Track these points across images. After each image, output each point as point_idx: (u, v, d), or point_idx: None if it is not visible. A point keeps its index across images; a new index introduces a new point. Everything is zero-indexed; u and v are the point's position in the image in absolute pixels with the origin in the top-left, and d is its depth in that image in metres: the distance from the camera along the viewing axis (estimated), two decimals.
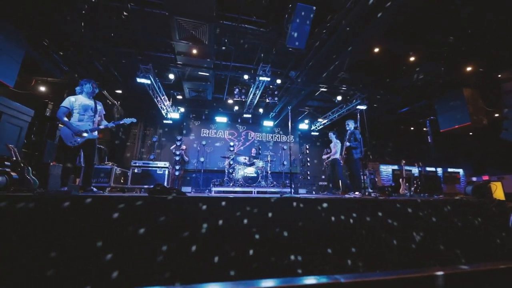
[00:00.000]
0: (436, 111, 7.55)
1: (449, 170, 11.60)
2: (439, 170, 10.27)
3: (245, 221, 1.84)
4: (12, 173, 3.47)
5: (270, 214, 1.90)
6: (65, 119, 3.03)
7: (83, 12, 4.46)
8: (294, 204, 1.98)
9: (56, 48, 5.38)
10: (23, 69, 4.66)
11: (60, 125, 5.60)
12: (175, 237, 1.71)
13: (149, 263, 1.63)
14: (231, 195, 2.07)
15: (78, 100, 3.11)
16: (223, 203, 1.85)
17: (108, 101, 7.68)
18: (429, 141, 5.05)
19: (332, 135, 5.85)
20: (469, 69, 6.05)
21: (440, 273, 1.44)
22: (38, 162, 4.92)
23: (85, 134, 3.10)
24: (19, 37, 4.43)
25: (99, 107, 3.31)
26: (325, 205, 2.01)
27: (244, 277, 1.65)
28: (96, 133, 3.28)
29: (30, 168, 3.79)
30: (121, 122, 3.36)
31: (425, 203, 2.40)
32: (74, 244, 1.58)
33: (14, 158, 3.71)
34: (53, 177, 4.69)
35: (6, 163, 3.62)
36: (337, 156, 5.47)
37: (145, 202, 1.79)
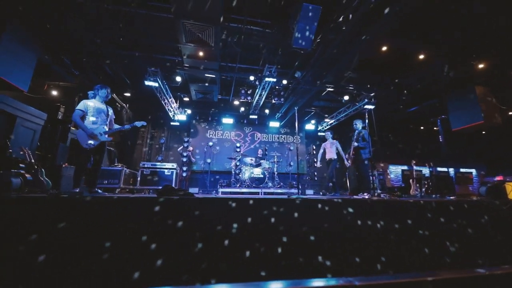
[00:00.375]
0: (447, 109, 7.36)
1: (462, 170, 11.28)
2: (451, 170, 10.00)
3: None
4: (27, 175, 3.59)
5: (296, 214, 1.92)
6: (80, 121, 3.13)
7: (93, 17, 4.57)
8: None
9: (67, 53, 5.53)
10: (35, 73, 4.80)
11: (72, 127, 5.75)
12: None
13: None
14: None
15: (92, 104, 3.24)
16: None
17: (117, 104, 7.84)
18: (441, 140, 4.91)
19: (328, 134, 5.88)
20: (481, 66, 5.87)
21: (455, 276, 1.40)
22: (51, 164, 5.06)
23: (98, 138, 3.19)
24: (32, 42, 4.58)
25: (111, 111, 3.44)
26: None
27: (274, 276, 1.66)
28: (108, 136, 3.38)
29: (43, 170, 3.91)
30: (133, 125, 3.47)
31: (440, 204, 2.33)
32: (94, 243, 1.61)
33: (28, 160, 3.83)
34: (65, 178, 4.81)
35: (20, 165, 3.74)
36: (334, 156, 5.57)
37: (162, 203, 1.81)
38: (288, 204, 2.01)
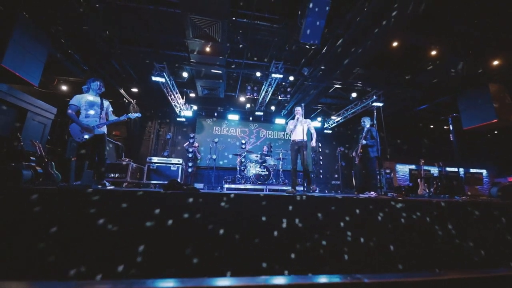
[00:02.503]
0: (458, 108, 7.16)
1: (471, 170, 11.01)
2: (461, 170, 9.78)
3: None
4: (37, 168, 3.68)
5: (320, 215, 1.90)
6: (75, 116, 3.15)
7: (102, 13, 4.60)
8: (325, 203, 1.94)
9: (77, 48, 5.60)
10: (46, 68, 4.89)
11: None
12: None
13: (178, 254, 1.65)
14: (261, 193, 2.10)
15: (84, 98, 3.25)
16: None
17: (124, 99, 7.92)
18: (452, 139, 4.79)
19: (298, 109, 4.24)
20: (495, 63, 5.67)
21: (467, 276, 1.36)
22: (61, 157, 5.16)
23: (93, 131, 3.20)
24: (43, 37, 4.65)
25: (106, 103, 3.43)
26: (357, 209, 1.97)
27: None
28: (104, 128, 3.38)
29: (53, 163, 4.00)
30: (127, 116, 3.48)
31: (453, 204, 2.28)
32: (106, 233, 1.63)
33: (39, 154, 3.93)
34: (74, 171, 4.91)
35: (31, 158, 3.83)
36: (305, 138, 3.95)
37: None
38: (294, 201, 1.99)
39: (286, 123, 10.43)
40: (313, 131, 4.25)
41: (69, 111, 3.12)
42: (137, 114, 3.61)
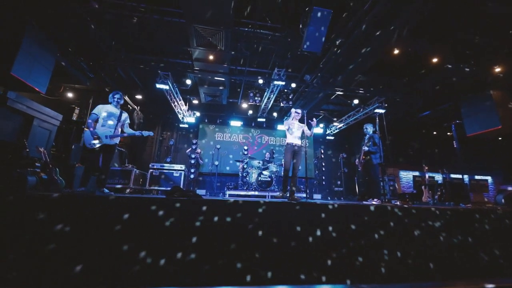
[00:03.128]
0: (462, 114, 7.13)
1: (476, 177, 10.85)
2: (465, 177, 9.65)
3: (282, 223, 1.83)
4: (42, 174, 3.72)
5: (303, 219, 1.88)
6: (90, 123, 3.31)
7: (109, 22, 4.73)
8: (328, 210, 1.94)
9: (84, 57, 5.73)
10: (53, 76, 4.99)
11: (85, 128, 5.93)
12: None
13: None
14: (264, 200, 2.10)
15: (105, 108, 3.44)
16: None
17: (128, 105, 8.03)
18: (455, 146, 4.75)
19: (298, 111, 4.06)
20: (498, 70, 5.68)
21: (474, 286, 1.34)
22: (65, 163, 5.21)
23: (101, 139, 3.32)
24: (50, 46, 4.77)
25: (124, 116, 3.59)
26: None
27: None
28: (117, 139, 3.50)
29: (57, 169, 4.04)
30: (140, 133, 3.63)
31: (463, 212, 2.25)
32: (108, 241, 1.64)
33: (44, 160, 3.97)
34: (78, 178, 4.94)
35: (36, 164, 3.87)
36: (300, 142, 3.95)
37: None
38: (296, 208, 1.98)
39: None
40: (307, 131, 4.09)
41: (89, 119, 3.34)
42: (150, 133, 3.76)
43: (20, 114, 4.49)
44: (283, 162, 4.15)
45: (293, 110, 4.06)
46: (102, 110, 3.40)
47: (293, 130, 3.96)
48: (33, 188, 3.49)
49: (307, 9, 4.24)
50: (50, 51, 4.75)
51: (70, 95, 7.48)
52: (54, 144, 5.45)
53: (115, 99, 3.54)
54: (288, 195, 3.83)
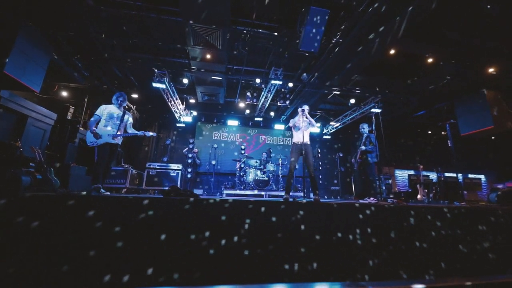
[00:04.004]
0: (456, 114, 7.25)
1: (470, 176, 11.04)
2: (459, 176, 9.81)
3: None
4: (36, 174, 3.66)
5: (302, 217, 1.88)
6: (91, 123, 3.33)
7: (104, 20, 4.67)
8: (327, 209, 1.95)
9: (79, 55, 5.65)
10: (47, 74, 4.92)
11: (81, 128, 5.87)
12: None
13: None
14: (269, 199, 2.10)
15: (107, 109, 3.46)
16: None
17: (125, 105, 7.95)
18: (450, 145, 4.83)
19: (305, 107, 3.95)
20: (491, 70, 5.78)
21: (466, 283, 1.36)
22: (60, 163, 5.14)
23: (100, 137, 3.33)
24: (45, 44, 4.69)
25: (127, 116, 3.62)
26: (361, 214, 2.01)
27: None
28: (120, 139, 3.52)
29: (52, 169, 3.98)
30: (144, 133, 3.67)
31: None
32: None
33: (38, 160, 3.91)
34: (73, 177, 4.89)
35: (31, 164, 3.82)
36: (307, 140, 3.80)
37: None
38: (294, 207, 2.00)
39: (286, 129, 10.54)
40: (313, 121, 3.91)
41: (91, 120, 3.36)
42: (153, 134, 3.81)
43: (13, 113, 4.42)
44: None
45: (299, 109, 3.96)
46: (105, 111, 3.42)
47: (298, 128, 3.84)
48: (27, 188, 3.44)
49: (304, 9, 4.25)
50: (44, 49, 4.68)
51: (64, 94, 7.37)
52: (48, 144, 5.37)
53: (119, 101, 3.56)
54: (287, 196, 3.63)
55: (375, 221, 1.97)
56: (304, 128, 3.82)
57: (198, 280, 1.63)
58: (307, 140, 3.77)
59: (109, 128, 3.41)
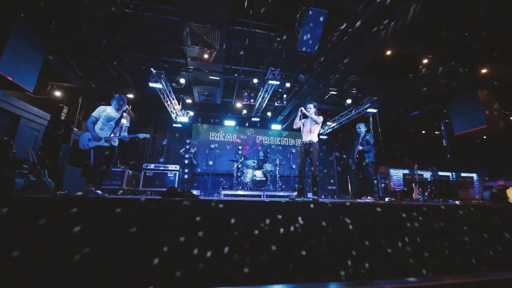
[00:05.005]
0: (449, 114, 7.38)
1: (463, 174, 11.25)
2: (453, 174, 9.98)
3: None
4: (30, 176, 3.58)
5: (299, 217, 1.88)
6: (90, 125, 3.26)
7: (99, 19, 4.60)
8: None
9: (73, 54, 5.54)
10: (40, 74, 4.81)
11: (75, 128, 5.75)
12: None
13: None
14: (267, 199, 2.10)
15: (105, 111, 3.37)
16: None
17: None
18: (445, 144, 4.92)
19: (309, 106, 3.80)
20: (484, 71, 5.91)
21: (462, 281, 1.38)
22: (54, 165, 5.03)
23: (101, 140, 3.27)
24: (39, 43, 4.59)
25: (124, 121, 3.56)
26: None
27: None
28: (116, 142, 3.47)
29: (46, 171, 3.89)
30: (137, 136, 3.59)
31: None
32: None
33: (32, 161, 3.82)
34: (68, 179, 4.79)
35: (24, 165, 3.72)
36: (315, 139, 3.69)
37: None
38: (293, 207, 2.00)
39: (283, 129, 10.57)
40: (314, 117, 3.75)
41: (88, 121, 3.28)
42: (146, 135, 3.72)
43: (6, 113, 4.30)
44: None
45: (307, 106, 3.82)
46: (103, 114, 3.34)
47: (302, 127, 3.77)
48: (21, 190, 3.35)
49: (302, 9, 4.27)
50: (38, 48, 4.57)
51: (58, 94, 7.22)
52: (42, 145, 5.25)
53: (118, 105, 3.48)
54: (294, 196, 3.64)
55: (386, 220, 1.99)
56: (306, 126, 3.74)
57: (198, 281, 1.61)
58: (311, 138, 3.66)
59: (105, 131, 3.33)
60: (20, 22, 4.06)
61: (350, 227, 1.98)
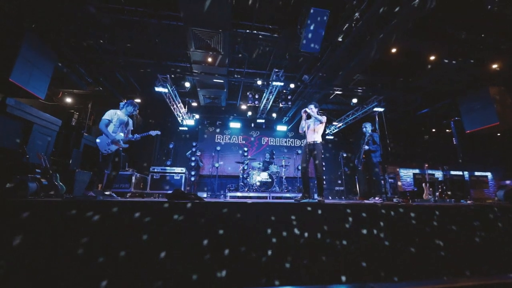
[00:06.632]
0: (460, 111, 7.17)
1: (476, 173, 10.87)
2: (465, 173, 9.67)
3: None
4: (42, 180, 3.70)
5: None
6: (106, 129, 3.38)
7: (107, 27, 4.73)
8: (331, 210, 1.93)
9: (82, 62, 5.72)
10: (51, 82, 4.99)
11: (85, 133, 5.92)
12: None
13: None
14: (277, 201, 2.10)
15: (117, 114, 3.52)
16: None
17: None
18: (455, 143, 4.78)
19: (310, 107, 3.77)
20: (495, 66, 5.72)
21: (474, 283, 1.34)
22: (65, 169, 5.19)
23: (120, 144, 3.46)
24: (49, 52, 4.77)
25: (130, 122, 3.75)
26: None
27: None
28: (126, 144, 3.63)
29: (58, 175, 4.02)
30: (149, 133, 3.81)
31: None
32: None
33: (44, 166, 3.95)
34: (79, 183, 4.93)
35: (37, 170, 3.86)
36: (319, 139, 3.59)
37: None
38: (301, 208, 1.99)
39: (288, 130, 10.53)
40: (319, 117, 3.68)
41: (102, 124, 3.38)
42: (157, 132, 3.91)
43: (19, 120, 4.47)
44: None
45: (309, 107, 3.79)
46: (115, 116, 3.48)
47: (306, 128, 3.72)
48: (34, 194, 3.47)
49: (304, 9, 4.26)
50: (48, 57, 4.75)
51: (68, 100, 7.47)
52: (53, 150, 5.43)
53: (129, 110, 3.64)
54: (299, 197, 3.58)
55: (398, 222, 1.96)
56: (310, 127, 3.68)
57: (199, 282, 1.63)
58: (315, 138, 3.57)
59: (118, 134, 3.48)
60: (30, 32, 4.23)
61: (355, 228, 1.96)
